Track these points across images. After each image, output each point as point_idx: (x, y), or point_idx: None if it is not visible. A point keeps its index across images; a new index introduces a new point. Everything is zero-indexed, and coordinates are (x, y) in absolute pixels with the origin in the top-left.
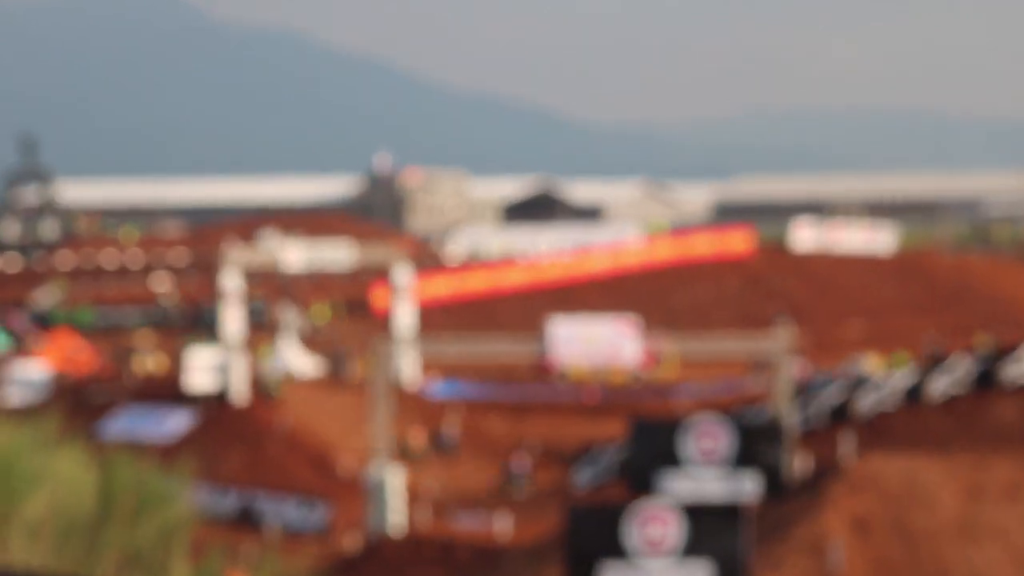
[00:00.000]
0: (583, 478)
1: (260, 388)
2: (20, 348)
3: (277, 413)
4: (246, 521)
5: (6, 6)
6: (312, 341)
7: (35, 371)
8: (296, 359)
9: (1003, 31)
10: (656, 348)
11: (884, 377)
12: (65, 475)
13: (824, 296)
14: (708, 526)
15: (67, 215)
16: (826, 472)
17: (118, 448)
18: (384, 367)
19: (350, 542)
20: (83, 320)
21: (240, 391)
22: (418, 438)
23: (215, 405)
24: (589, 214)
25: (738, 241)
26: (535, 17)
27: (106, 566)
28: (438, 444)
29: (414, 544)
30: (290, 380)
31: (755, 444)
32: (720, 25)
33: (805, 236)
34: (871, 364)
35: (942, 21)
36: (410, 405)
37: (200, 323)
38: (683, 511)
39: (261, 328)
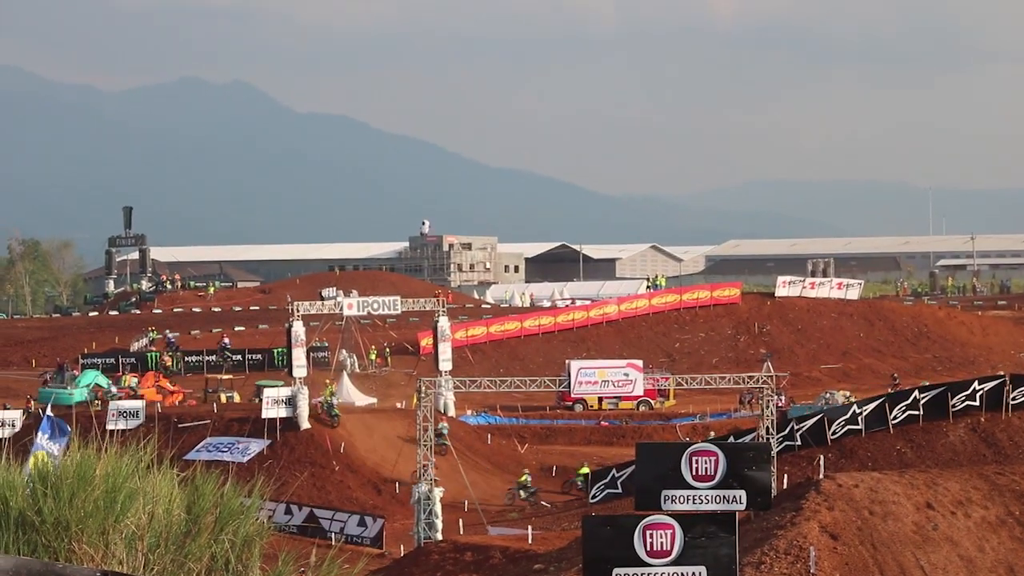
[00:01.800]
0: (597, 493)
1: (326, 416)
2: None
3: (337, 439)
4: (311, 533)
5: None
6: (367, 378)
7: (132, 404)
8: (353, 393)
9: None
10: (659, 383)
11: (853, 407)
12: (159, 493)
13: (802, 339)
14: (704, 534)
15: (158, 273)
16: (804, 488)
17: (203, 469)
18: (429, 400)
19: (399, 550)
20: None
21: (305, 420)
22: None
23: (285, 433)
24: (602, 270)
25: (729, 292)
26: (558, 103)
27: (194, 572)
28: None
29: (454, 550)
30: (350, 410)
31: (744, 465)
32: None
33: (787, 288)
34: (842, 396)
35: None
36: (453, 431)
37: (272, 364)
38: (682, 522)
39: (324, 368)
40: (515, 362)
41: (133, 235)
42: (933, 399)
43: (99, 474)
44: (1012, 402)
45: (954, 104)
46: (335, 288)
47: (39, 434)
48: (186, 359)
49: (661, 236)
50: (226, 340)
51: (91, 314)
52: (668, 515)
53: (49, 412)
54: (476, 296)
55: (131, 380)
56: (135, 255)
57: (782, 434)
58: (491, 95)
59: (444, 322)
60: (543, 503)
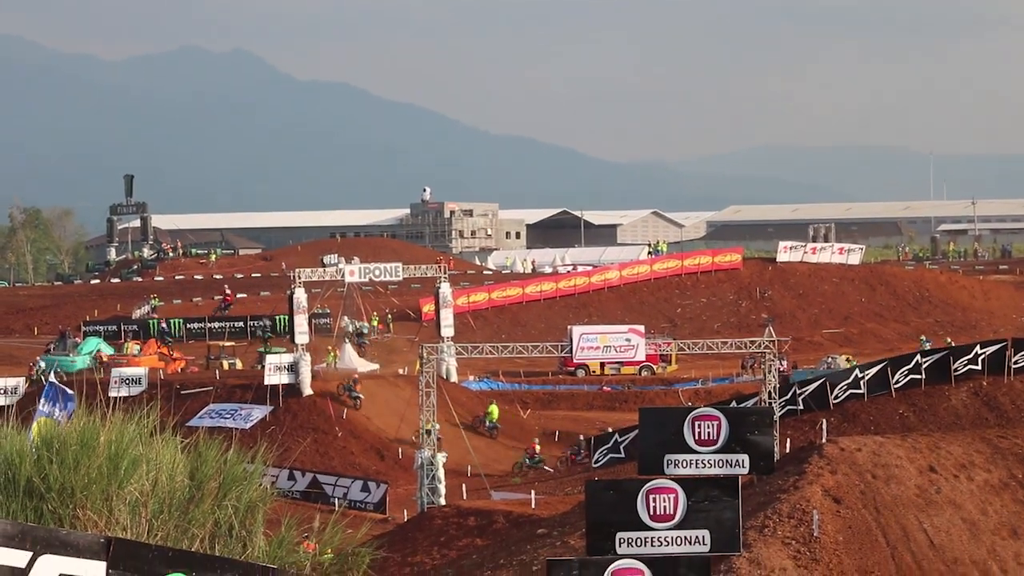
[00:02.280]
0: (600, 458)
1: (347, 398)
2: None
3: (340, 405)
4: (314, 499)
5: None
6: (369, 345)
7: (134, 371)
8: (355, 360)
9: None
10: (661, 348)
11: (855, 371)
12: (162, 460)
13: (804, 303)
14: (707, 498)
15: (160, 241)
16: (807, 451)
17: (206, 436)
18: (431, 366)
19: (403, 515)
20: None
21: (308, 387)
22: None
23: (287, 399)
24: (604, 236)
25: (731, 258)
26: (560, 69)
27: (197, 537)
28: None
29: (457, 515)
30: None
31: (747, 429)
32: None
33: (788, 253)
34: (844, 360)
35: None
36: (455, 396)
37: (274, 331)
38: (685, 486)
39: (326, 334)
40: (517, 328)
41: (134, 203)
42: (935, 363)
43: (103, 441)
44: (1014, 366)
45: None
46: (337, 255)
47: (42, 400)
48: (187, 326)
49: (662, 202)
50: (227, 291)
51: (93, 282)
52: (671, 479)
53: (52, 378)
54: (478, 262)
55: (133, 347)
56: (136, 223)
57: (784, 398)
58: (492, 62)
59: (446, 288)
60: (546, 468)
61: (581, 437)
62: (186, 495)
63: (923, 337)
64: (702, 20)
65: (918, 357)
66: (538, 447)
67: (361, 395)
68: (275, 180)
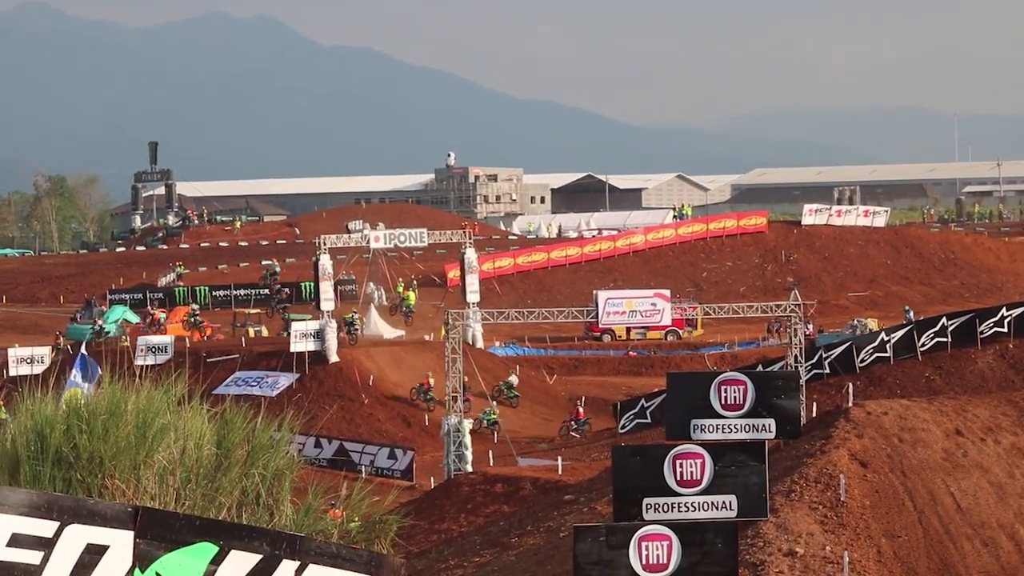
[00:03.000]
0: (627, 423)
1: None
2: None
3: (366, 372)
4: (341, 466)
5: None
6: (396, 311)
7: (161, 339)
8: (381, 326)
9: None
10: (687, 312)
11: (881, 334)
12: (189, 428)
13: (829, 267)
14: (734, 464)
15: (185, 208)
16: (833, 416)
17: (233, 404)
18: (457, 332)
19: (430, 482)
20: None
21: (334, 354)
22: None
23: (314, 366)
24: (629, 199)
25: (756, 221)
26: (583, 32)
27: (224, 506)
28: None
29: (484, 481)
30: (378, 343)
31: (773, 393)
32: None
33: (813, 216)
34: (870, 324)
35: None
36: (481, 362)
37: (300, 298)
38: (711, 451)
39: (352, 300)
40: (542, 293)
41: (159, 170)
42: (961, 326)
43: (131, 409)
44: None
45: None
46: (361, 221)
47: (73, 371)
48: (213, 293)
49: (687, 165)
50: (274, 263)
51: (118, 250)
52: (698, 444)
53: (83, 351)
54: (503, 228)
55: (160, 315)
56: (161, 190)
57: (810, 362)
58: (516, 26)
59: (471, 254)
60: (573, 434)
61: (580, 408)
62: (213, 464)
63: (907, 307)
64: None
65: (944, 320)
66: (582, 410)
67: (359, 328)
68: (300, 146)
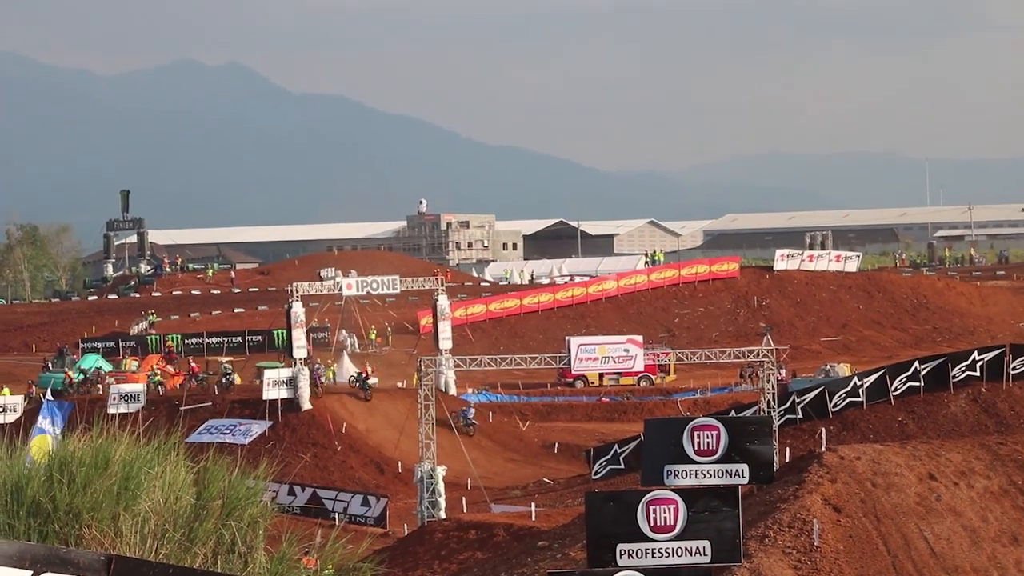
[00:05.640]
0: (600, 469)
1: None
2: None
3: (338, 419)
4: (314, 514)
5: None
6: (367, 358)
7: (133, 387)
8: (354, 373)
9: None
10: (660, 358)
11: (853, 379)
12: (168, 477)
13: (802, 312)
14: (707, 509)
15: (157, 256)
16: (806, 460)
17: (209, 452)
18: (429, 379)
19: (403, 529)
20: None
21: (307, 401)
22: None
23: (287, 414)
24: (601, 246)
25: (728, 267)
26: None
27: (199, 555)
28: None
29: (458, 528)
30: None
31: (746, 438)
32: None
33: (785, 261)
34: (842, 368)
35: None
36: (454, 409)
37: (272, 346)
38: (685, 497)
39: (325, 348)
40: (515, 339)
41: (131, 218)
42: (933, 370)
43: (116, 460)
44: (1012, 372)
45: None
46: (334, 268)
47: (40, 418)
48: (185, 341)
49: (659, 211)
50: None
51: (90, 298)
52: (671, 490)
53: (49, 396)
54: (475, 274)
55: (132, 364)
56: (133, 238)
57: (783, 407)
58: (487, 73)
59: (443, 301)
60: (545, 480)
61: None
62: (191, 513)
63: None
64: (695, 28)
65: (916, 364)
66: (472, 405)
67: (372, 382)
68: (272, 194)
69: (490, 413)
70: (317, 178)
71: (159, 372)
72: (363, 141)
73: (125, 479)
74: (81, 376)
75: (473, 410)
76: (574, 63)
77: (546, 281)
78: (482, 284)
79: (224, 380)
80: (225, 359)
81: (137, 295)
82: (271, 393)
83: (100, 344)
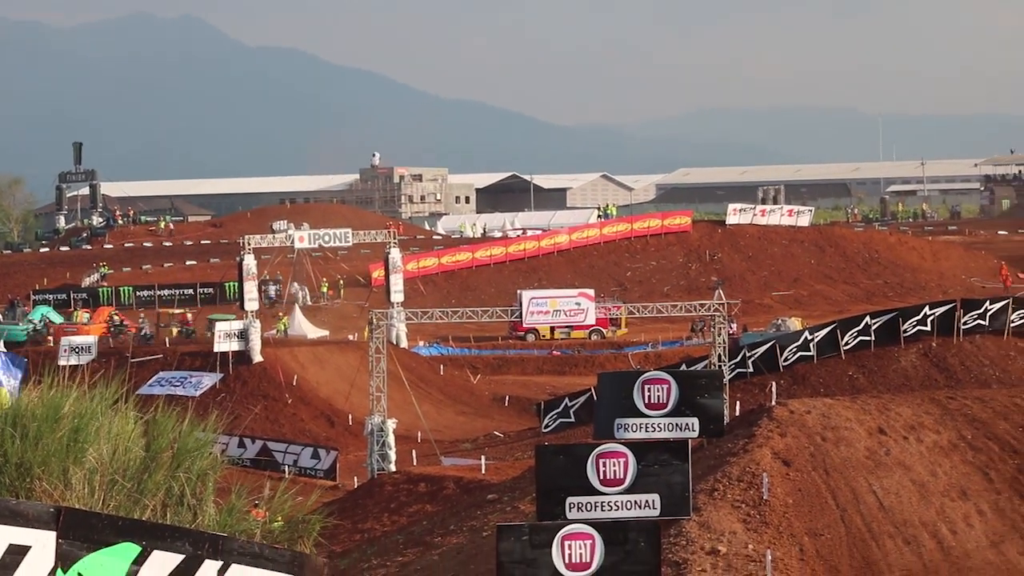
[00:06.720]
0: (551, 423)
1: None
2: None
3: (290, 372)
4: (264, 466)
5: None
6: (319, 311)
7: (84, 339)
8: (306, 326)
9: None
10: (611, 312)
11: (804, 333)
12: (117, 430)
13: (754, 266)
14: (657, 463)
15: (109, 209)
16: (756, 414)
17: (159, 405)
18: (381, 332)
19: (353, 482)
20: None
21: (258, 353)
22: None
23: (238, 366)
24: (553, 199)
25: (680, 221)
26: (510, 35)
27: (148, 507)
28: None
29: (407, 481)
30: (302, 343)
31: (696, 392)
32: (666, 40)
33: (737, 216)
34: (794, 323)
35: (852, 35)
36: (405, 362)
37: (224, 298)
38: (635, 450)
39: (276, 301)
40: (467, 293)
41: (83, 170)
42: (884, 325)
43: (66, 413)
44: (963, 327)
45: (903, 29)
46: (286, 221)
47: None
48: (137, 294)
49: (612, 165)
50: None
51: (42, 250)
52: (621, 443)
53: (1, 347)
54: (427, 227)
55: (83, 316)
56: (85, 191)
57: (734, 361)
58: (441, 26)
59: (395, 254)
60: (496, 433)
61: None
62: (140, 465)
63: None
64: None
65: (867, 319)
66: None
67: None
68: (225, 146)
69: (441, 366)
70: (270, 131)
71: (121, 319)
72: (317, 94)
73: (75, 431)
74: (32, 327)
75: None
76: (530, 17)
77: (498, 235)
78: (434, 237)
79: (183, 331)
80: (175, 311)
81: (89, 247)
82: (222, 345)
83: (51, 296)
